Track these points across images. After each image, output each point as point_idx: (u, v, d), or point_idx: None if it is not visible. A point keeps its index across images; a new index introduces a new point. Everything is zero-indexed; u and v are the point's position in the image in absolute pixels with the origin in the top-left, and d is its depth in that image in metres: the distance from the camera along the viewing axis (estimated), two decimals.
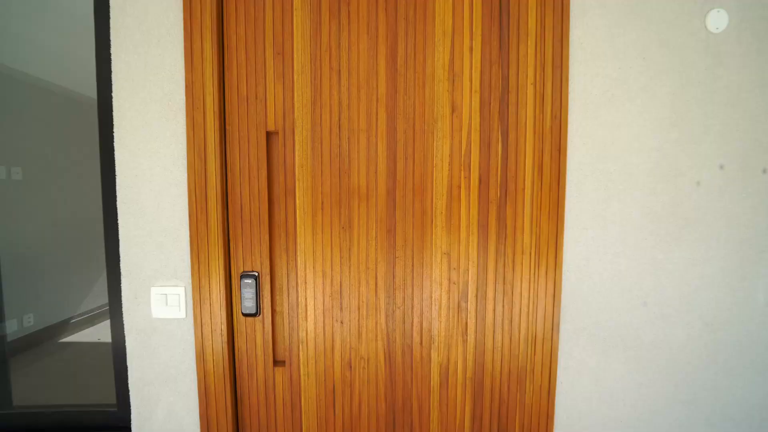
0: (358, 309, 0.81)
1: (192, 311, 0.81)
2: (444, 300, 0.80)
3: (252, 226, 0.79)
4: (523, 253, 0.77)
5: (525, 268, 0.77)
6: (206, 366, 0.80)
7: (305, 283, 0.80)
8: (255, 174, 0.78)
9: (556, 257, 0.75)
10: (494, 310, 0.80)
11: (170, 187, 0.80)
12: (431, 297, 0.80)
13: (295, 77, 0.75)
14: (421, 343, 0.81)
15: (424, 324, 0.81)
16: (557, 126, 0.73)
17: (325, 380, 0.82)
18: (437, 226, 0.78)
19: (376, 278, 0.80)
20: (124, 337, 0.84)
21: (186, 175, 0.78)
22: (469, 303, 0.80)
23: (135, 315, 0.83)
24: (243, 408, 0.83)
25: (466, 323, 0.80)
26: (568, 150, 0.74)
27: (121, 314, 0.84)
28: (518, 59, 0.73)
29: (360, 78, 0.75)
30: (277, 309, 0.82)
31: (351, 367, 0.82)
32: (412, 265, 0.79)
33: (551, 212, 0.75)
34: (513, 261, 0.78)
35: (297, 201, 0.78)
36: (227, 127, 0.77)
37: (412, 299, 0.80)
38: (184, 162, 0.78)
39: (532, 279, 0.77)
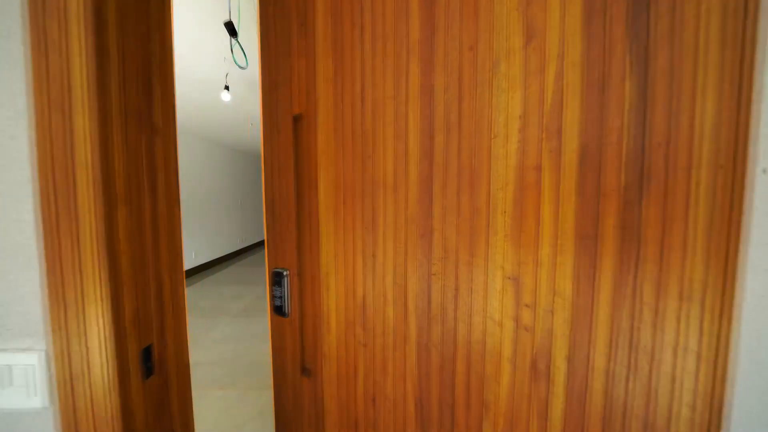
0: (383, 334, 0.62)
1: (57, 396, 0.45)
2: (506, 352, 0.50)
3: (282, 220, 0.73)
4: (681, 297, 0.38)
5: (683, 318, 0.38)
6: None
7: (327, 289, 0.68)
8: (284, 163, 0.71)
9: (733, 296, 0.32)
10: (610, 390, 0.44)
11: (13, 167, 0.44)
12: (484, 342, 0.52)
13: (317, 47, 0.63)
14: (467, 406, 0.54)
15: (473, 381, 0.53)
16: (734, 55, 0.30)
17: (347, 408, 0.68)
18: (497, 234, 0.49)
19: (406, 299, 0.58)
20: None
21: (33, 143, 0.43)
22: (553, 367, 0.47)
23: None
24: (278, 411, 0.80)
25: (547, 400, 0.48)
26: (762, 101, 0.30)
27: None
28: None
29: (386, 26, 0.55)
30: (307, 312, 0.73)
31: (375, 403, 0.64)
32: (456, 288, 0.53)
33: (722, 216, 0.33)
34: (655, 306, 0.40)
35: (319, 193, 0.66)
36: (262, 117, 0.74)
37: (455, 338, 0.54)
38: (32, 118, 0.43)
39: (689, 338, 0.37)
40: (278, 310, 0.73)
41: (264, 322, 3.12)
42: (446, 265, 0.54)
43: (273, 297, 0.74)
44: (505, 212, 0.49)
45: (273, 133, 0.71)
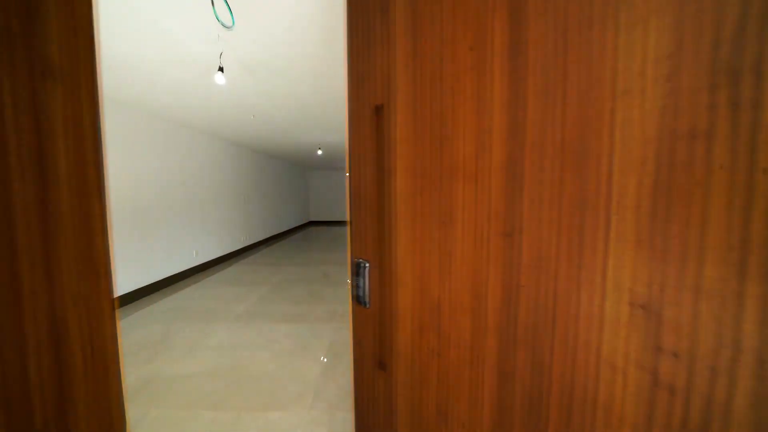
0: (459, 346, 0.53)
1: None
2: (632, 414, 0.34)
3: (364, 211, 0.73)
4: None
5: None
6: None
7: (404, 285, 0.63)
8: (366, 154, 0.71)
9: None
10: None
11: None
12: (596, 392, 0.36)
13: (397, 29, 0.59)
14: None
15: None
16: None
17: (419, 414, 0.62)
18: (622, 239, 0.34)
19: (488, 313, 0.48)
20: None
21: None
22: None
23: None
24: (357, 399, 0.82)
25: None
26: None
27: None
28: None
29: None
30: (384, 306, 0.71)
31: (447, 422, 0.56)
32: (554, 308, 0.40)
33: None
34: None
35: (397, 183, 0.62)
36: (347, 110, 0.75)
37: (550, 376, 0.40)
38: None
39: None
40: (359, 299, 0.75)
41: (267, 327, 2.80)
42: (540, 275, 0.41)
43: (355, 286, 0.76)
44: (638, 206, 0.32)
45: (357, 125, 0.72)
